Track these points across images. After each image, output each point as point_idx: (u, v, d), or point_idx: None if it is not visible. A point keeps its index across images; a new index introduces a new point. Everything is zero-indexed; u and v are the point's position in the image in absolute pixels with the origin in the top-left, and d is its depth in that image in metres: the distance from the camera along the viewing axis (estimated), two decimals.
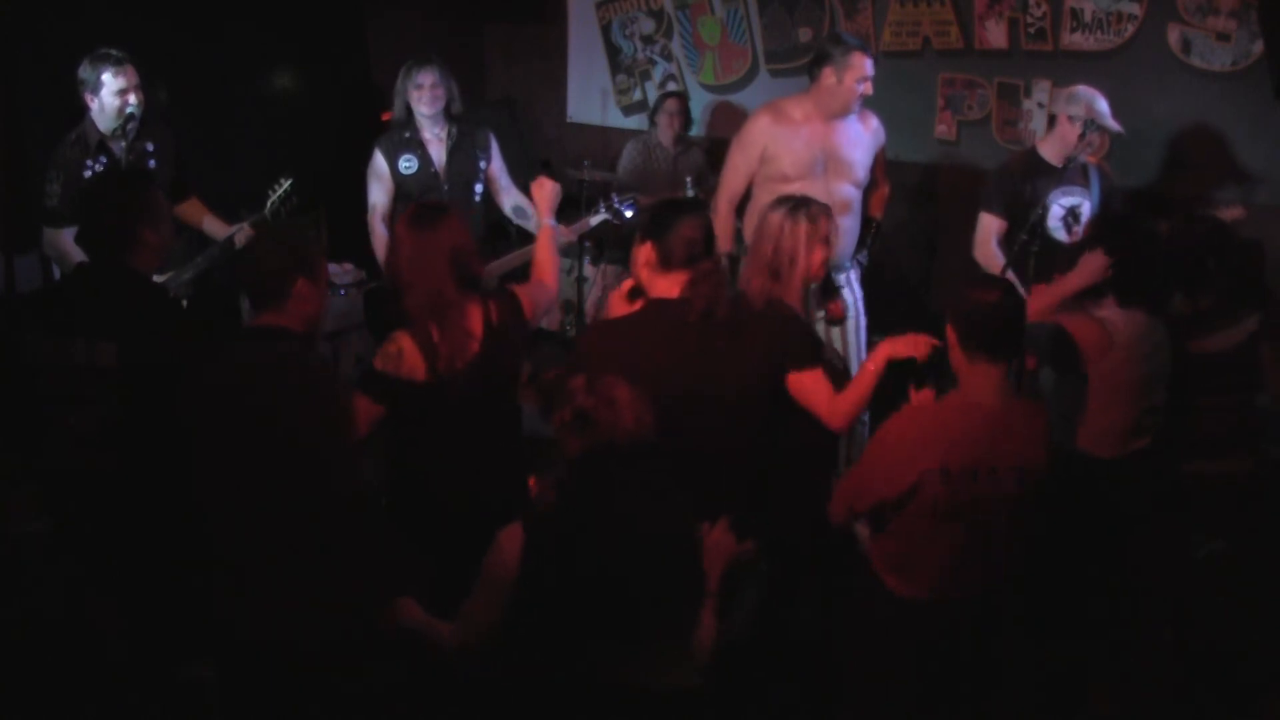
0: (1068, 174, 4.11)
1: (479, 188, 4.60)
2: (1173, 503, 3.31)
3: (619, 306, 3.10)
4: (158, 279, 4.28)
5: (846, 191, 4.32)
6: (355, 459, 2.71)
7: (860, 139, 4.36)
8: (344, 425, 2.67)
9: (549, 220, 3.50)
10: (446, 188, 4.53)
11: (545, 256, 3.39)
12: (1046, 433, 2.76)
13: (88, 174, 4.06)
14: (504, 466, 3.05)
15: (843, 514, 2.87)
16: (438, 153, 4.54)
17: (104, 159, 4.10)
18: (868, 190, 4.45)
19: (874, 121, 4.42)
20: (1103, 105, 4.07)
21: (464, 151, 4.56)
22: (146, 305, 2.92)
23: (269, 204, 4.32)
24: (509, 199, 4.68)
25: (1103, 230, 3.41)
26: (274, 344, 2.62)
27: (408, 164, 4.51)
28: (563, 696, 2.38)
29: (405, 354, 2.86)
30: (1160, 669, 3.26)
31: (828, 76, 4.22)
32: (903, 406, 2.83)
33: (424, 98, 4.46)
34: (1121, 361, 3.17)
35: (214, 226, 4.37)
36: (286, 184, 4.34)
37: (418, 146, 4.52)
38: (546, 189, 3.56)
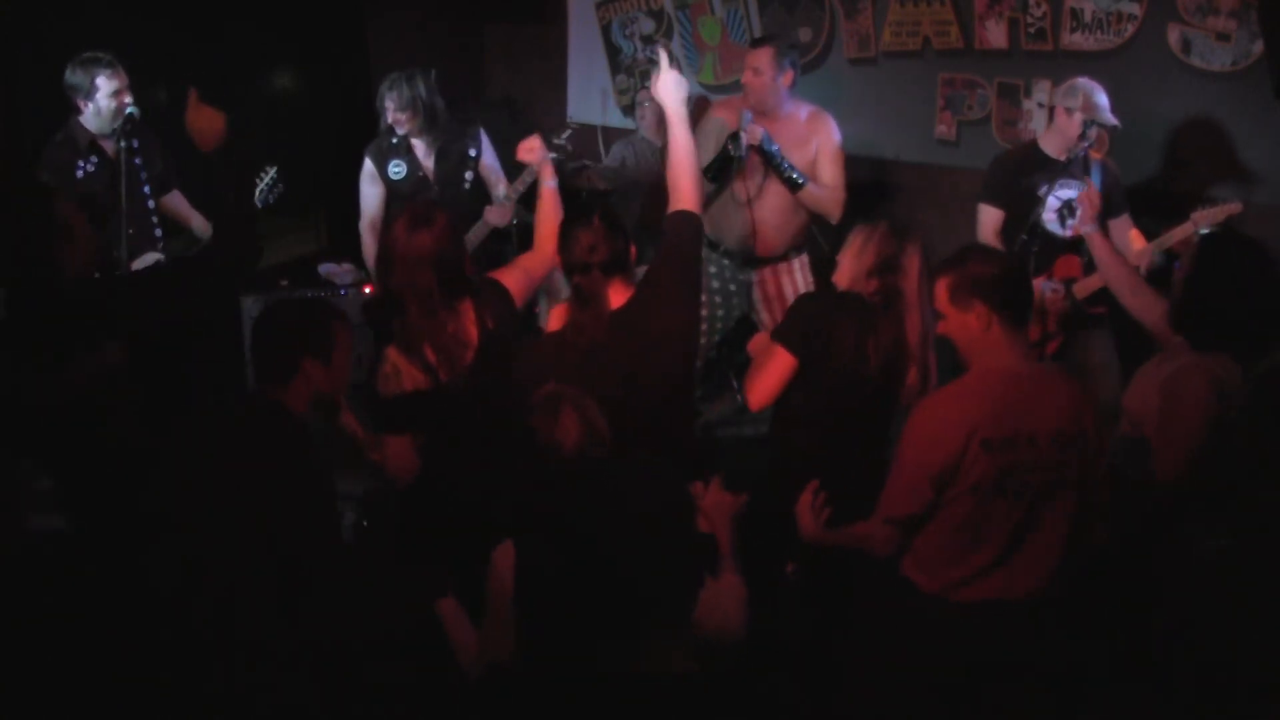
0: (1067, 167, 4.11)
1: (469, 175, 4.63)
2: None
3: (557, 321, 3.09)
4: (153, 258, 4.33)
5: (779, 192, 4.50)
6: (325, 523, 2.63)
7: (799, 139, 4.50)
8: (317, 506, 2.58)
9: (550, 183, 3.39)
10: (437, 189, 4.56)
11: (549, 216, 3.32)
12: (1086, 399, 2.64)
13: (80, 174, 4.08)
14: (513, 468, 3.03)
15: (885, 534, 2.68)
16: (425, 156, 4.56)
17: (95, 158, 4.12)
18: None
19: (822, 124, 4.55)
20: (1101, 98, 4.08)
21: (451, 152, 4.58)
22: (128, 299, 2.91)
23: (257, 193, 4.36)
24: (499, 192, 4.74)
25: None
26: (256, 421, 2.56)
27: (397, 169, 4.56)
28: (562, 685, 2.38)
29: (402, 371, 2.85)
30: (1160, 669, 3.26)
31: None
32: (923, 398, 2.75)
33: (396, 121, 4.51)
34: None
35: (200, 224, 4.47)
36: (272, 171, 4.37)
37: (405, 151, 4.56)
38: (537, 150, 3.44)
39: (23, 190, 3.64)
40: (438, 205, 3.23)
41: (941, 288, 2.64)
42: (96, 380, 2.80)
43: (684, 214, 3.06)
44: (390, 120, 4.51)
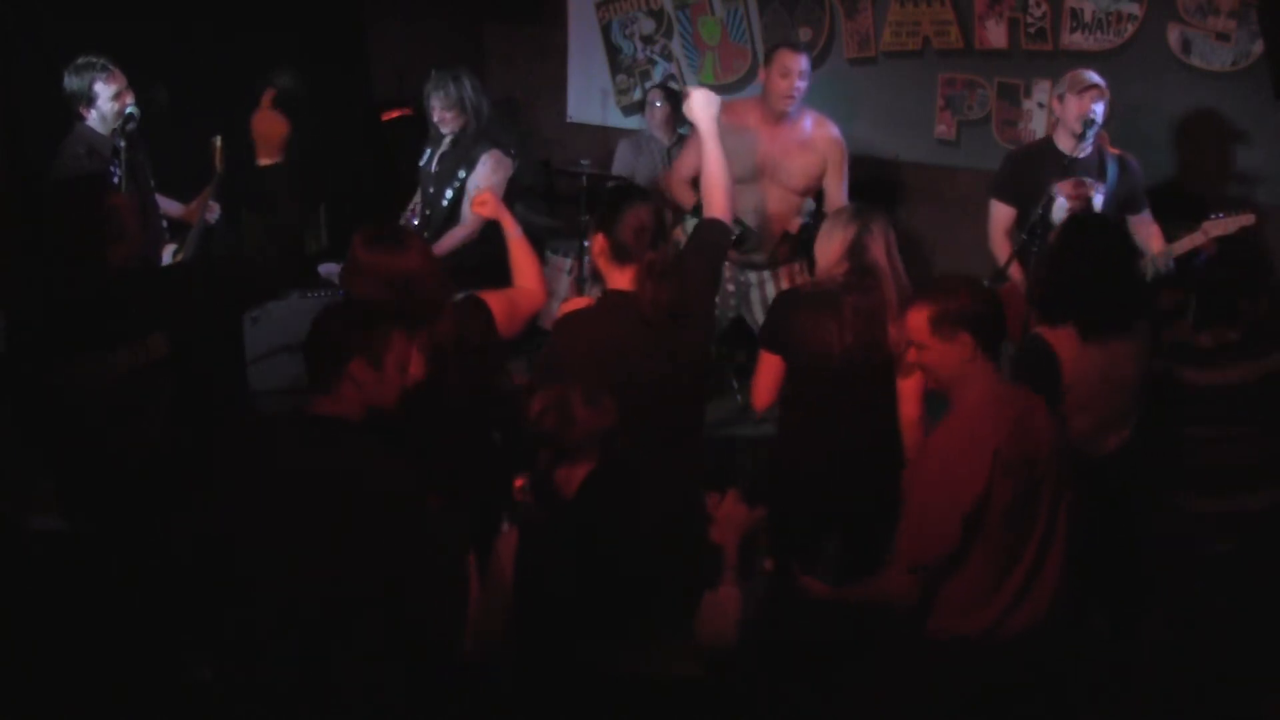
0: (1080, 165, 4.06)
1: (449, 194, 4.56)
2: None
3: (574, 305, 3.15)
4: (171, 249, 4.35)
5: (783, 198, 4.50)
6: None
7: (803, 145, 4.48)
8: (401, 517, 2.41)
9: (517, 232, 3.35)
10: (431, 190, 4.57)
11: (522, 263, 3.30)
12: (1052, 410, 2.72)
13: (116, 180, 4.08)
14: (472, 478, 2.95)
15: (908, 584, 2.60)
16: (436, 153, 4.60)
17: (116, 162, 4.14)
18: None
19: (827, 135, 4.50)
20: (1086, 74, 4.07)
21: (450, 160, 4.57)
22: (177, 288, 2.91)
23: (215, 162, 4.23)
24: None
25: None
26: (320, 441, 2.39)
27: (424, 158, 4.60)
28: (566, 687, 2.38)
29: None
30: (1158, 668, 3.26)
31: (763, 75, 4.49)
32: (925, 440, 2.72)
33: (441, 119, 4.52)
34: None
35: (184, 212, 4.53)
36: (217, 140, 4.24)
37: (435, 143, 4.59)
38: (489, 203, 3.43)
39: (77, 186, 3.63)
40: (409, 231, 3.15)
41: (922, 319, 2.62)
42: (139, 370, 2.78)
43: (716, 220, 3.21)
44: (436, 118, 4.51)
